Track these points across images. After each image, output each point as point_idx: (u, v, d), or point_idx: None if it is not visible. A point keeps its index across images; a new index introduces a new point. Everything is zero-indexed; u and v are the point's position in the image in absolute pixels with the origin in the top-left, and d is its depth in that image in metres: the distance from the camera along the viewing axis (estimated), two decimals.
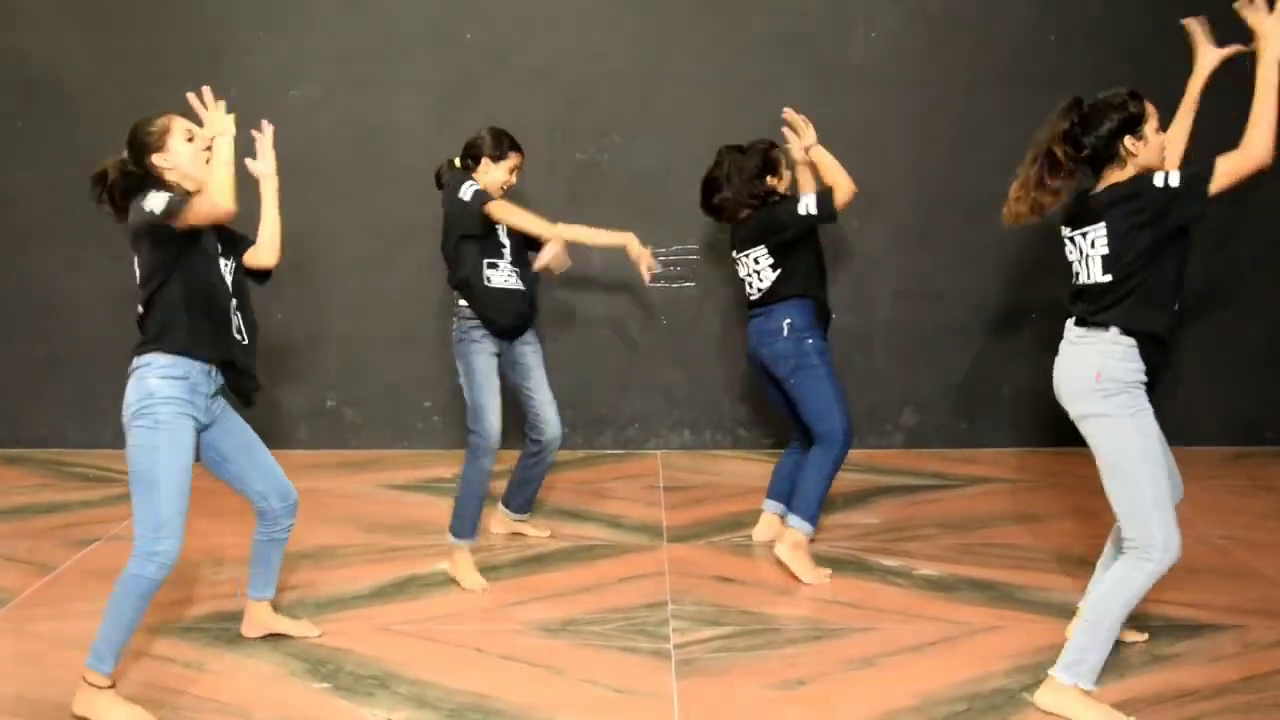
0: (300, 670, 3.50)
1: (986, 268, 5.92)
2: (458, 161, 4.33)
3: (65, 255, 5.86)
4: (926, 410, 6.08)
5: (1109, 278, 3.20)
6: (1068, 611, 3.85)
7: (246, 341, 3.39)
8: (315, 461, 5.82)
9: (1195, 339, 5.99)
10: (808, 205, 4.19)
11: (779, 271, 4.28)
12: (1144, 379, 3.20)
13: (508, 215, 4.12)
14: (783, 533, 4.32)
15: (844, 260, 5.82)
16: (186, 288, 3.22)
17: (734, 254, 4.42)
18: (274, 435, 6.05)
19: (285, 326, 5.88)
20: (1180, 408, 6.05)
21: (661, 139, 5.81)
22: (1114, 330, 3.19)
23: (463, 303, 4.21)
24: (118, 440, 5.86)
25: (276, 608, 3.79)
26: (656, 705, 3.29)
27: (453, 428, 6.04)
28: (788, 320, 4.27)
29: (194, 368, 3.23)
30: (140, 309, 3.25)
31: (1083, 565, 4.30)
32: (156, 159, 3.24)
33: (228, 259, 3.39)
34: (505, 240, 4.26)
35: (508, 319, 4.23)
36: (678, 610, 3.95)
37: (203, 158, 3.27)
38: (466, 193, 4.11)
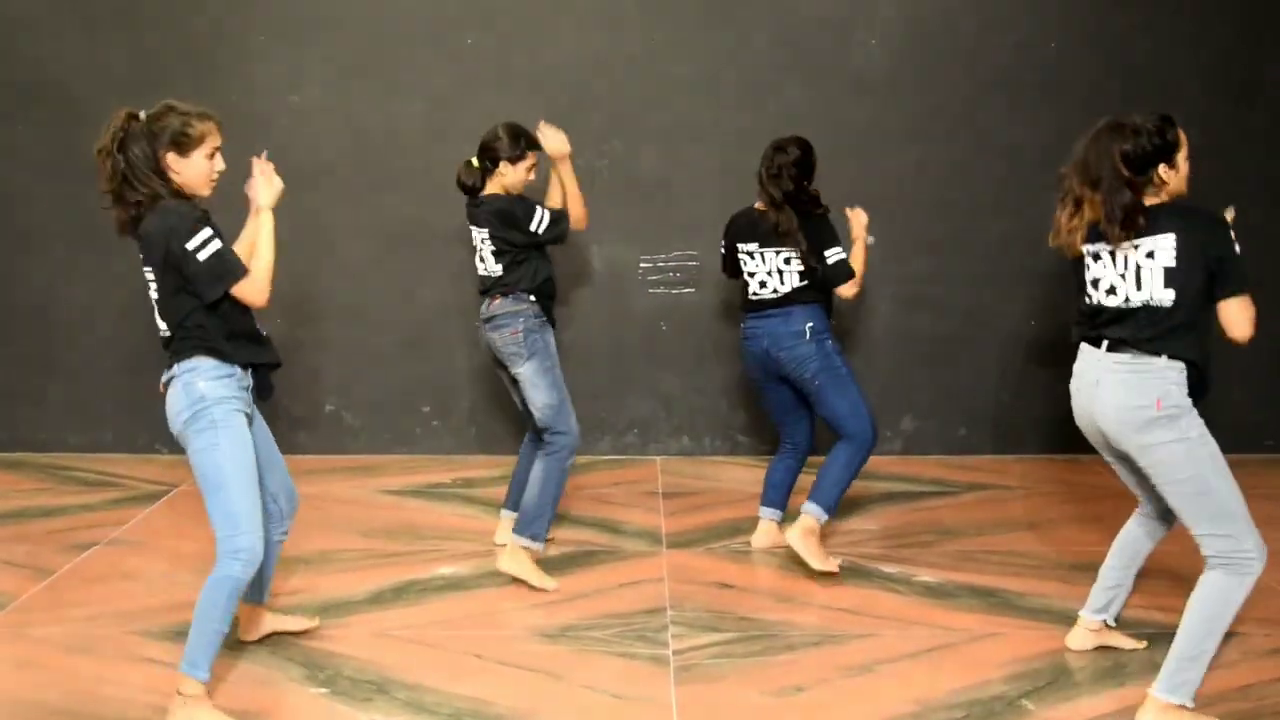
0: (298, 675, 3.50)
1: (985, 275, 5.92)
2: (475, 161, 4.33)
3: (64, 259, 5.86)
4: (925, 417, 6.08)
5: (1170, 293, 3.11)
6: (1066, 618, 3.86)
7: (267, 333, 3.41)
8: (314, 466, 5.82)
9: None
10: (834, 260, 4.27)
11: (807, 280, 4.31)
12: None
13: (578, 209, 4.32)
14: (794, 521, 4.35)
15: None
16: (220, 301, 3.21)
17: (754, 247, 4.36)
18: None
19: (285, 331, 5.88)
20: None
21: (662, 145, 5.82)
22: (1164, 356, 3.13)
23: (532, 299, 4.22)
24: (117, 444, 5.97)
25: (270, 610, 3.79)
26: (655, 711, 3.29)
27: (451, 433, 6.05)
28: (809, 324, 4.29)
29: (236, 368, 3.24)
30: (167, 321, 3.21)
31: (1081, 572, 4.30)
32: (172, 158, 3.16)
33: None
34: None
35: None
36: (677, 616, 3.95)
37: (210, 177, 3.23)
38: (541, 224, 4.19)
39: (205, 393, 3.16)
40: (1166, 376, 3.13)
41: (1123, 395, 3.18)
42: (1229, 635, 3.74)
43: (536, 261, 4.25)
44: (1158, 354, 3.13)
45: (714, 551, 4.63)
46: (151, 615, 3.93)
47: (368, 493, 5.43)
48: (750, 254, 4.37)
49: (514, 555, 4.21)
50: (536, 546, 4.22)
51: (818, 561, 4.23)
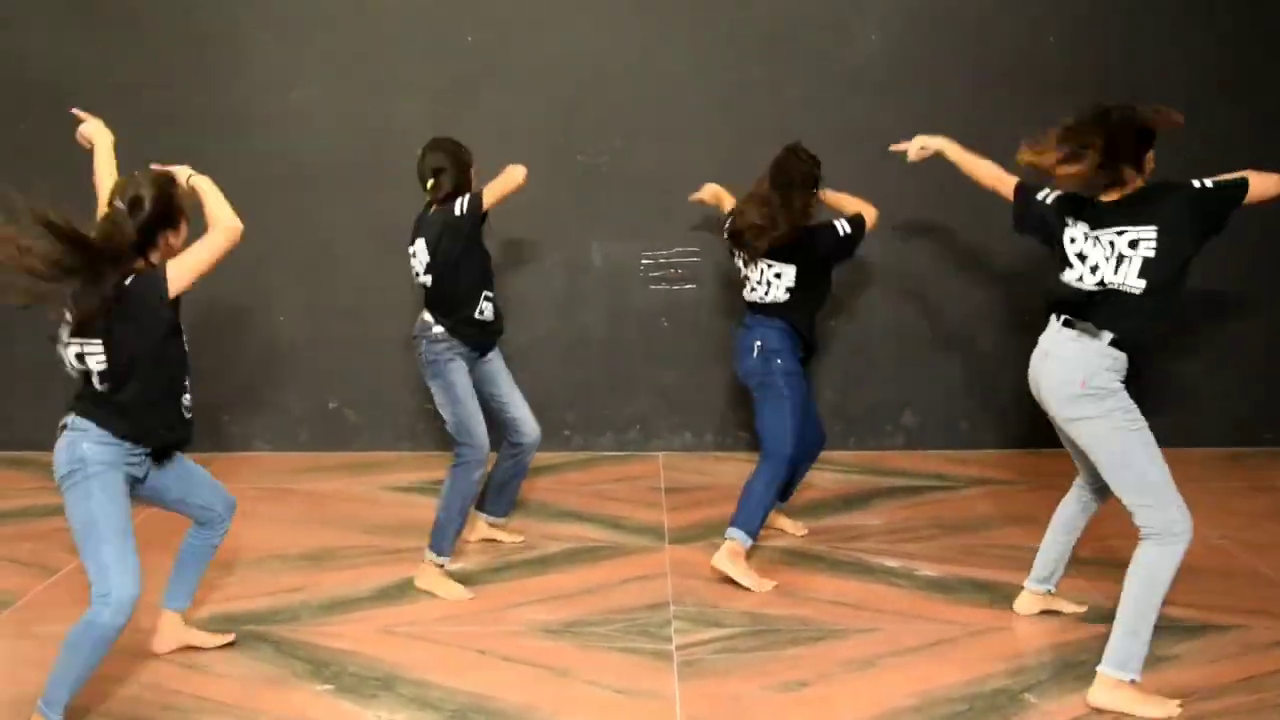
0: (303, 672, 3.51)
1: (985, 269, 5.93)
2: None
3: None
4: (927, 411, 6.09)
5: (1143, 283, 3.24)
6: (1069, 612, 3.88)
7: (190, 416, 3.32)
8: (317, 463, 5.83)
9: (1194, 341, 6.00)
10: (846, 226, 4.32)
11: (786, 296, 4.30)
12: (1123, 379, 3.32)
13: (494, 193, 4.17)
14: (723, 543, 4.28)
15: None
16: (157, 372, 3.18)
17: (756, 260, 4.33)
18: (276, 437, 6.09)
19: (287, 329, 5.89)
20: (1179, 409, 6.07)
21: (662, 141, 5.82)
22: (1106, 337, 3.26)
23: (430, 319, 4.22)
24: None
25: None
26: (658, 706, 3.30)
27: None
28: (759, 341, 4.29)
29: (128, 444, 3.18)
30: (107, 383, 3.12)
31: (1083, 565, 4.31)
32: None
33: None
34: None
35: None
36: (679, 611, 3.96)
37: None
38: (462, 205, 4.14)
39: (86, 455, 3.12)
40: (1101, 362, 3.27)
41: (1055, 369, 3.36)
42: (1230, 628, 3.78)
43: (474, 266, 4.27)
44: (1098, 334, 3.28)
45: (717, 546, 4.62)
46: (154, 612, 3.94)
47: (371, 489, 5.44)
48: (754, 265, 4.35)
49: (423, 571, 4.19)
50: (441, 560, 4.17)
51: (752, 581, 4.16)
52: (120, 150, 3.43)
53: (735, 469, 5.77)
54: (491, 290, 4.25)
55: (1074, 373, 3.30)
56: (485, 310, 4.22)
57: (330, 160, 5.79)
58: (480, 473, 4.19)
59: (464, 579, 4.27)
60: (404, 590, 4.17)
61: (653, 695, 3.37)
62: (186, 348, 3.28)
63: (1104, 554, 4.38)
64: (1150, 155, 3.34)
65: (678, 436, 6.10)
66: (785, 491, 4.68)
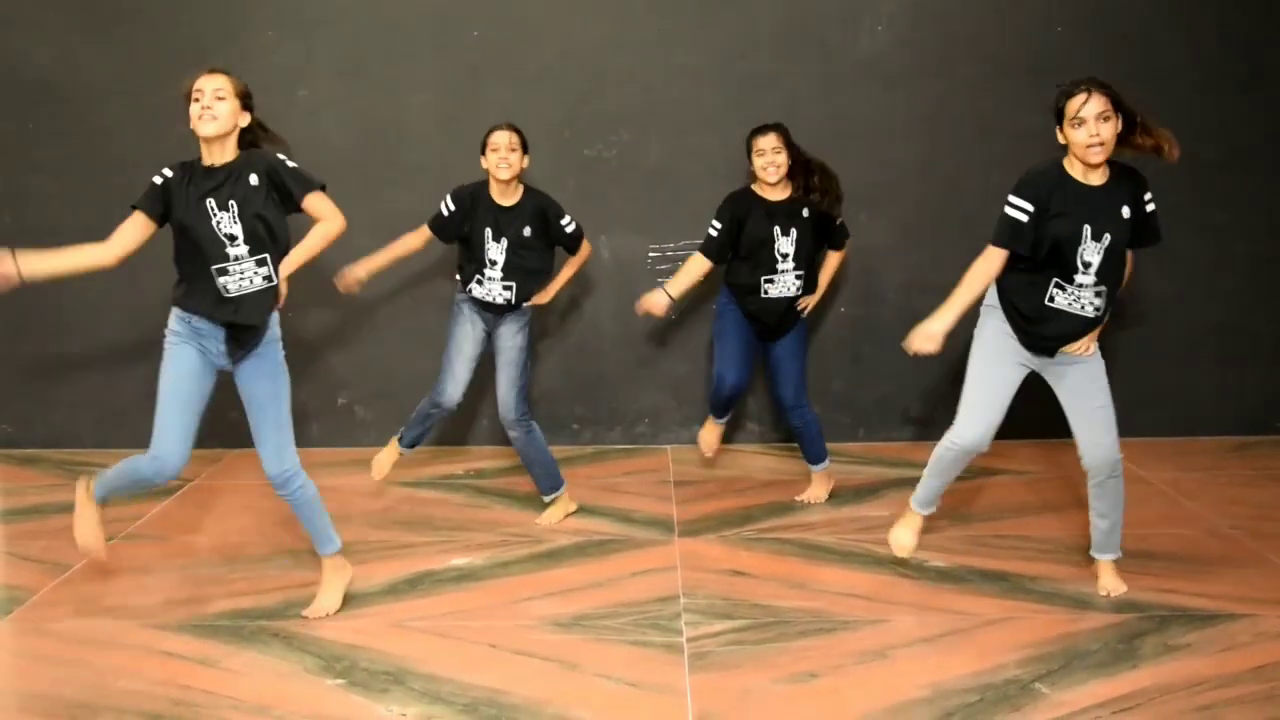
0: (315, 667, 3.53)
1: None
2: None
3: None
4: (935, 403, 6.08)
5: None
6: (1080, 602, 3.88)
7: (230, 297, 3.65)
8: (327, 459, 5.84)
9: (1203, 329, 5.99)
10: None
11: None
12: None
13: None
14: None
15: (852, 253, 5.82)
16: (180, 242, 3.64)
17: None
18: None
19: (296, 324, 5.90)
20: (1188, 398, 6.06)
21: (669, 135, 5.82)
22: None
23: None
24: (131, 440, 5.97)
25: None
26: (669, 699, 3.31)
27: (462, 424, 6.07)
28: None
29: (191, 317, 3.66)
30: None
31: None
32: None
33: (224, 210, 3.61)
34: None
35: None
36: (690, 604, 3.97)
37: (195, 118, 3.56)
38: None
39: (169, 324, 3.69)
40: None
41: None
42: (1241, 617, 3.77)
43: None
44: None
45: (726, 539, 4.64)
46: (168, 609, 3.96)
47: (380, 485, 5.44)
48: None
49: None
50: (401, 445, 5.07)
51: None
52: (127, 149, 3.43)
53: (745, 461, 5.78)
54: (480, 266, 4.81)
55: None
56: (471, 284, 4.81)
57: (338, 157, 5.78)
58: (437, 416, 4.94)
59: (473, 573, 4.29)
60: (414, 585, 4.18)
61: (664, 688, 3.37)
62: (216, 229, 3.59)
63: (1140, 545, 4.37)
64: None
65: (686, 429, 6.10)
66: (809, 453, 5.11)
